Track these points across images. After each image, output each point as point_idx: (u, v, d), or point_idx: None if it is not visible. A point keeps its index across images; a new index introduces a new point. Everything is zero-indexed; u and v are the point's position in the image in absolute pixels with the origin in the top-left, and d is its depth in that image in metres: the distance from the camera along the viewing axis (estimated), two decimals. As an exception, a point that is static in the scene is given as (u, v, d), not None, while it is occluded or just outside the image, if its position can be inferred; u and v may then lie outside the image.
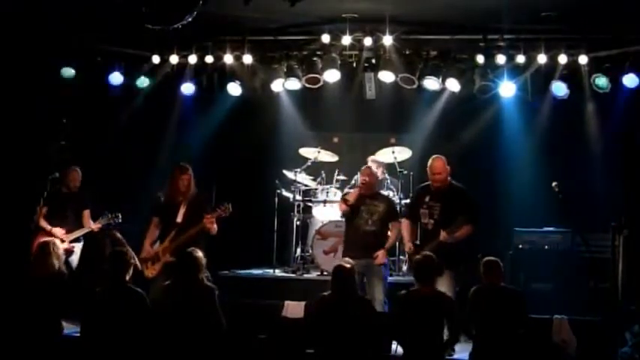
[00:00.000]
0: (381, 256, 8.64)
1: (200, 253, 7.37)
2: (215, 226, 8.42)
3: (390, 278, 10.10)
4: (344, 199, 9.01)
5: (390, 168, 11.04)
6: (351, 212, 8.85)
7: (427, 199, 8.50)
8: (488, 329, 7.16)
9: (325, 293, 7.36)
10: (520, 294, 7.47)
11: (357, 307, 7.13)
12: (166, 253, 8.42)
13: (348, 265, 7.34)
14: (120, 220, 9.46)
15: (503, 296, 7.26)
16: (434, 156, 8.66)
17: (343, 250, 8.93)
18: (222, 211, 8.45)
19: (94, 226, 9.35)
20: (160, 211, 8.64)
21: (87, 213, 9.47)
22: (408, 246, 8.49)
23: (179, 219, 8.52)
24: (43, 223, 9.21)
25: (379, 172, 11.03)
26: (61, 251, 7.90)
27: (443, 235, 8.14)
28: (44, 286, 7.35)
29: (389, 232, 8.94)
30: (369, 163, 11.03)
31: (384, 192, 10.67)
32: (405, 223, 8.75)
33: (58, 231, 9.18)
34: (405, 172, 10.66)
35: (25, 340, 7.16)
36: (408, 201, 10.51)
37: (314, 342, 7.20)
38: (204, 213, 8.46)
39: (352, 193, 8.98)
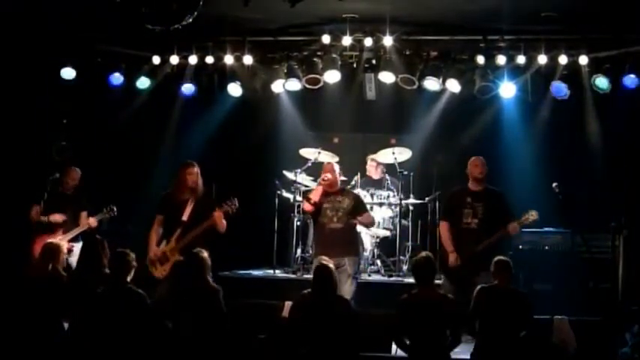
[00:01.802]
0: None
1: (206, 254, 7.39)
2: (224, 222, 8.37)
3: (390, 279, 10.19)
4: (307, 198, 8.89)
5: (390, 169, 11.04)
6: (316, 211, 8.72)
7: (469, 199, 8.59)
8: (491, 329, 7.16)
9: (305, 291, 7.43)
10: (525, 296, 7.47)
11: (334, 307, 7.16)
12: (175, 252, 8.31)
13: (329, 265, 7.37)
14: (116, 213, 9.48)
15: (507, 297, 7.26)
16: (474, 157, 8.76)
17: (314, 251, 8.90)
18: (229, 206, 8.44)
19: (91, 221, 9.34)
20: (165, 209, 8.54)
21: (84, 215, 9.45)
22: (453, 257, 8.40)
23: (185, 217, 8.43)
24: (42, 217, 9.18)
25: (379, 172, 11.05)
26: (65, 255, 7.94)
27: (513, 226, 8.36)
28: (44, 286, 7.36)
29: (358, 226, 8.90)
30: (369, 162, 11.09)
31: (385, 192, 10.71)
32: (445, 226, 8.71)
33: (58, 216, 9.16)
34: (406, 172, 10.64)
35: (25, 340, 7.17)
36: (411, 201, 10.57)
37: (295, 340, 7.22)
38: (211, 212, 8.41)
39: (315, 191, 8.84)
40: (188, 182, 8.49)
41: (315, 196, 8.72)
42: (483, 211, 8.50)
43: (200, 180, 8.56)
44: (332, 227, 8.58)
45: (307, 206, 8.85)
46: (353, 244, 8.65)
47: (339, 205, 8.62)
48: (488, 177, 9.27)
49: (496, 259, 7.41)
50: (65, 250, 8.08)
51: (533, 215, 8.40)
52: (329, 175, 8.74)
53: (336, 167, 8.95)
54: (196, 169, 8.55)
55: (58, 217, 9.18)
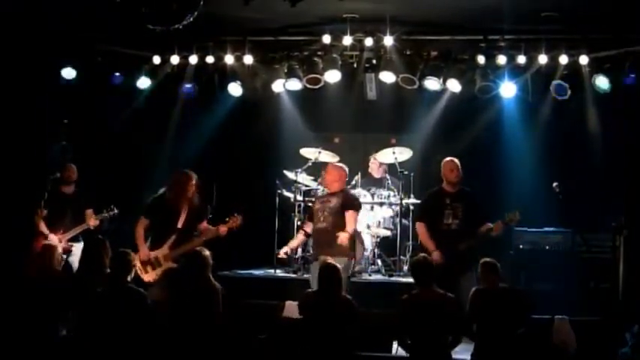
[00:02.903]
0: (342, 237, 8.45)
1: (208, 252, 7.40)
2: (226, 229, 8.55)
3: (390, 278, 10.19)
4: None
5: (390, 168, 11.03)
6: (310, 215, 8.90)
7: (448, 200, 8.62)
8: (489, 330, 7.16)
9: (309, 290, 7.49)
10: (522, 294, 7.48)
11: (337, 306, 7.17)
12: (168, 259, 8.36)
13: (335, 264, 7.38)
14: (116, 213, 9.51)
15: (504, 297, 7.26)
16: (448, 158, 8.76)
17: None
18: (233, 222, 8.51)
19: (92, 222, 9.36)
20: (156, 214, 8.55)
21: (90, 212, 9.46)
22: (436, 254, 8.34)
23: (180, 224, 8.47)
24: (42, 227, 9.20)
25: (381, 171, 11.03)
26: (60, 256, 7.94)
27: (499, 226, 8.40)
28: (43, 286, 7.35)
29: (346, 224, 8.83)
30: (372, 161, 11.08)
31: (385, 191, 10.69)
32: (423, 227, 8.73)
33: (54, 238, 9.17)
34: (406, 172, 10.64)
35: (25, 340, 7.17)
36: (412, 201, 10.55)
37: (301, 338, 7.24)
38: (200, 222, 8.54)
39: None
40: (189, 193, 8.52)
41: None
42: (463, 212, 8.54)
43: (195, 190, 8.64)
44: (318, 227, 8.69)
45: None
46: (342, 244, 8.61)
47: (327, 205, 8.68)
48: (489, 176, 9.33)
49: (482, 261, 7.40)
50: (60, 250, 8.05)
51: (516, 216, 8.44)
52: (324, 176, 8.91)
53: (338, 169, 8.95)
54: (195, 181, 8.60)
55: (53, 239, 9.14)
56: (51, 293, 7.34)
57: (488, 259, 7.41)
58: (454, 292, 7.56)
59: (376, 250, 10.65)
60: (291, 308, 8.18)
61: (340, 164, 9.26)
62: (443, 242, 8.48)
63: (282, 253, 8.94)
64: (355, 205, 8.88)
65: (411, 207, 10.71)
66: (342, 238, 8.40)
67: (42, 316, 7.27)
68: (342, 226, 8.62)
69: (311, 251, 9.67)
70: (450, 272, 8.19)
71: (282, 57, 10.39)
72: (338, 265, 7.45)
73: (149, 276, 8.33)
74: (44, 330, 7.25)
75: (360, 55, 10.31)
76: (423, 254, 7.60)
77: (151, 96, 10.90)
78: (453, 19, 9.52)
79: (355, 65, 10.50)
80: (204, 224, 8.64)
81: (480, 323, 7.22)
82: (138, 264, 8.24)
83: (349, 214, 8.63)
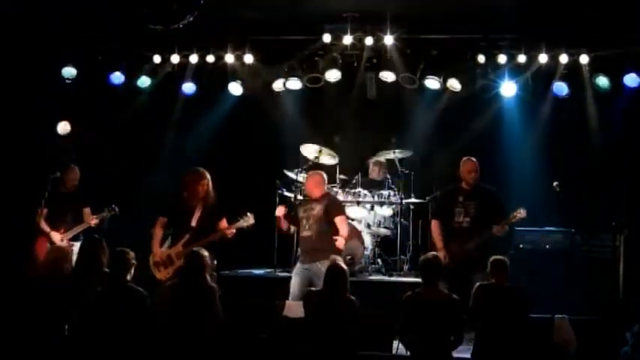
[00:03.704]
0: (339, 241, 8.48)
1: (206, 252, 7.39)
2: (234, 231, 8.51)
3: (390, 278, 10.19)
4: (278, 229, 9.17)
5: (391, 167, 11.01)
6: (295, 222, 8.88)
7: (461, 198, 8.63)
8: (490, 328, 7.16)
9: (313, 289, 7.50)
10: (523, 292, 7.47)
11: (337, 307, 7.16)
12: (180, 256, 8.28)
13: (342, 264, 7.38)
14: (117, 212, 9.52)
15: (505, 295, 7.25)
16: (465, 158, 8.78)
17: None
18: (245, 221, 8.50)
19: (93, 221, 9.37)
20: (172, 213, 8.55)
21: (87, 211, 9.48)
22: (442, 254, 8.31)
23: (194, 223, 8.45)
24: (43, 225, 9.21)
25: (381, 174, 11.00)
26: (70, 258, 7.96)
27: (497, 228, 8.40)
28: (49, 286, 7.35)
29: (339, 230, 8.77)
30: (371, 166, 11.05)
31: (386, 191, 10.68)
32: (435, 224, 8.77)
33: (56, 235, 9.19)
34: (406, 172, 10.63)
35: (26, 340, 7.16)
36: (412, 200, 10.55)
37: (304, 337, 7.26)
38: (218, 221, 8.51)
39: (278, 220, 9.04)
40: (200, 193, 8.48)
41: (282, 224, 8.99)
42: (475, 210, 8.55)
43: (210, 189, 8.54)
44: (303, 235, 8.69)
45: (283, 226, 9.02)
46: (327, 250, 8.44)
47: (310, 212, 8.65)
48: (489, 175, 9.31)
49: (492, 258, 7.40)
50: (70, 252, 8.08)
51: (520, 214, 8.44)
52: (306, 184, 8.98)
53: (316, 175, 8.96)
54: (207, 180, 8.52)
55: (55, 236, 9.20)
56: (56, 293, 7.33)
57: (498, 257, 7.42)
58: (466, 290, 7.57)
59: (376, 250, 10.64)
60: (292, 308, 8.18)
61: (317, 171, 9.22)
62: (454, 240, 8.52)
63: None
64: (340, 209, 8.92)
65: (411, 206, 10.72)
66: (340, 242, 8.43)
67: (43, 316, 7.26)
68: (326, 233, 8.56)
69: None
70: (461, 271, 8.22)
71: (283, 56, 10.39)
72: (344, 267, 7.44)
73: (162, 274, 8.37)
74: (45, 330, 7.24)
75: (361, 55, 10.31)
76: (433, 252, 7.58)
77: (152, 95, 10.90)
78: (453, 18, 9.53)
79: (355, 64, 10.51)
80: (224, 223, 8.56)
81: (483, 320, 7.22)
82: (151, 262, 8.34)
83: (339, 220, 8.64)
